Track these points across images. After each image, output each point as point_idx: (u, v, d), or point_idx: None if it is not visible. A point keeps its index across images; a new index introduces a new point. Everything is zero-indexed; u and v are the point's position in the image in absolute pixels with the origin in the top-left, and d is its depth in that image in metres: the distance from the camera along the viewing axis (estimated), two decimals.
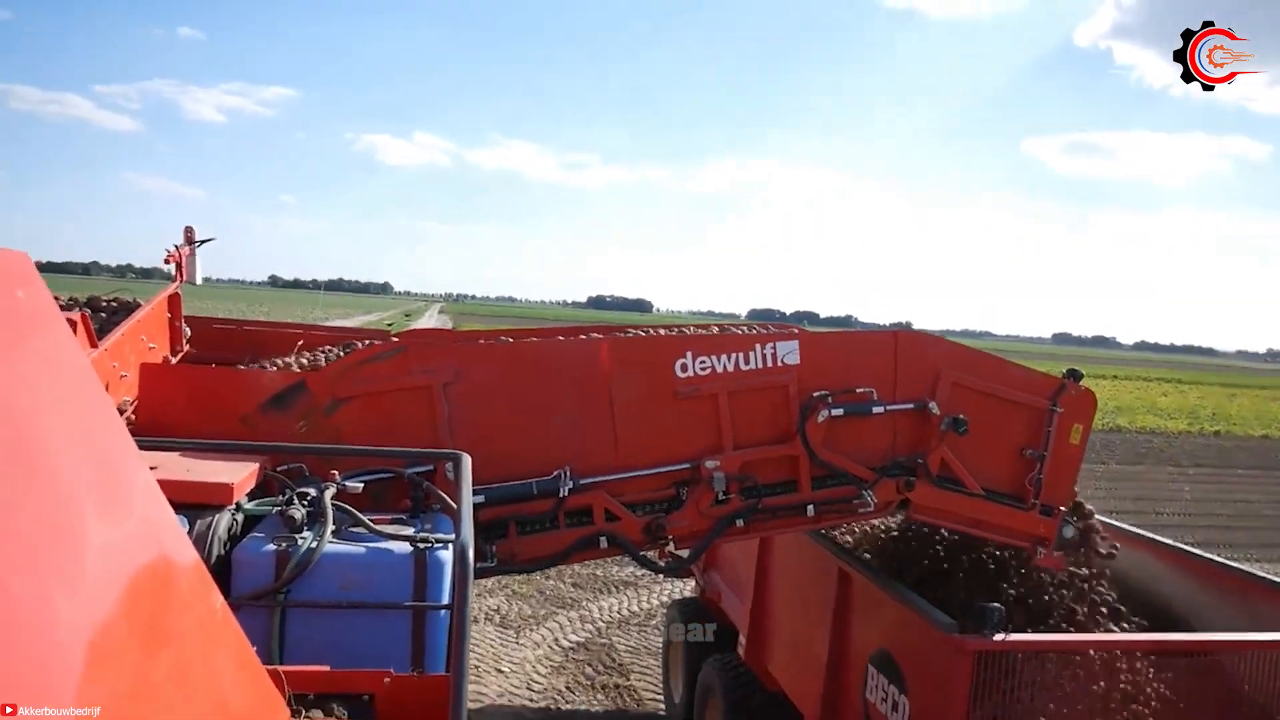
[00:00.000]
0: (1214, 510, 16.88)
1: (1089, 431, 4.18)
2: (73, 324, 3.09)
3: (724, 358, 3.78)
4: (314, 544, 2.61)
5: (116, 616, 1.09)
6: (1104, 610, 4.41)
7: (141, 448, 2.86)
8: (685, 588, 8.96)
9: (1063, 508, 4.18)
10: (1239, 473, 22.00)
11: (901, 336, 4.05)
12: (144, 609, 1.17)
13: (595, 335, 4.77)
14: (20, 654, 0.86)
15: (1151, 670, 3.49)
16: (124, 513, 1.20)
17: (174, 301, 4.38)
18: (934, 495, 4.00)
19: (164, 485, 2.72)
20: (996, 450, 4.10)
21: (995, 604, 3.36)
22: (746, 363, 3.81)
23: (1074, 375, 4.17)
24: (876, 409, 3.89)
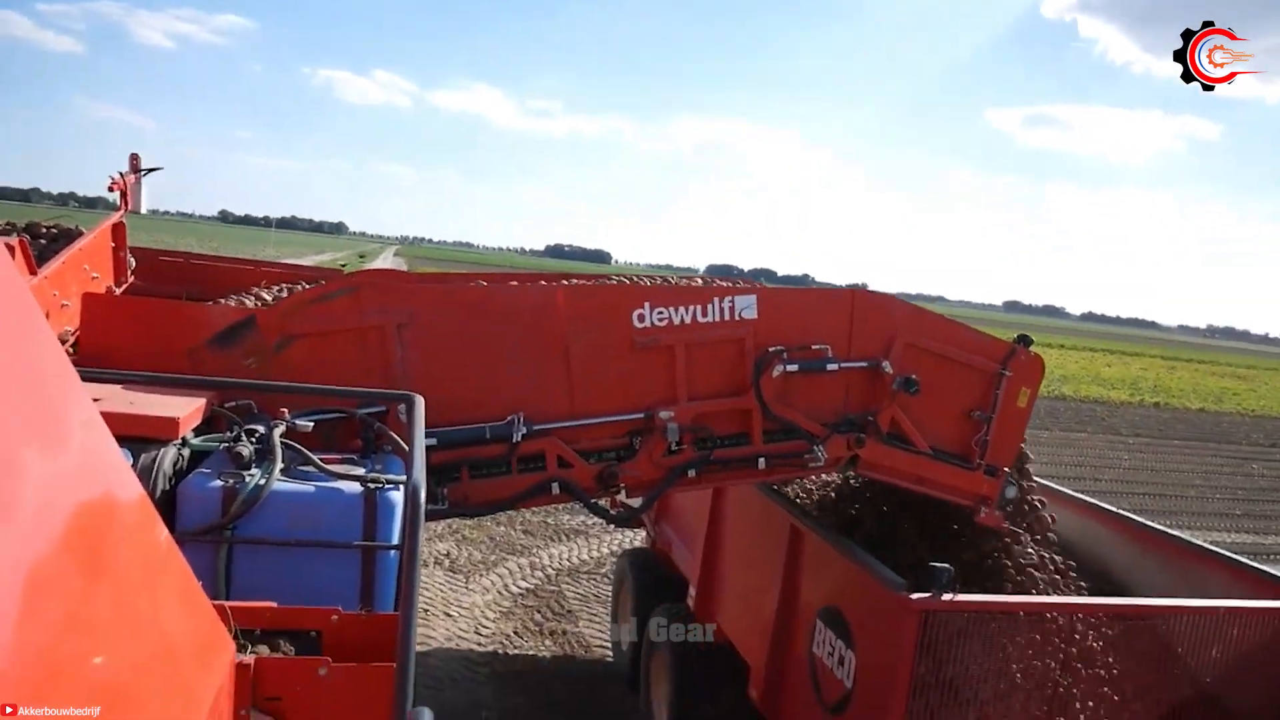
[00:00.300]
0: (1149, 479, 17.26)
1: (1035, 396, 4.26)
2: (10, 249, 2.98)
3: (682, 309, 3.78)
4: (262, 481, 2.58)
5: (56, 550, 1.06)
6: (1053, 571, 4.52)
7: (84, 379, 2.80)
8: (635, 537, 9.04)
9: (1006, 469, 4.27)
10: (1175, 443, 22.58)
11: (858, 295, 4.08)
12: (84, 542, 1.14)
13: (553, 283, 4.73)
14: None
15: (1092, 634, 3.56)
16: (63, 445, 1.17)
17: (118, 230, 4.24)
18: (883, 453, 4.06)
19: (107, 418, 2.66)
20: (945, 411, 4.17)
21: (945, 565, 3.41)
22: (704, 315, 3.81)
23: (1024, 341, 4.25)
24: (831, 366, 3.93)
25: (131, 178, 4.40)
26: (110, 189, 4.42)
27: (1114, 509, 5.30)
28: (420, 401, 2.74)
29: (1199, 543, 4.70)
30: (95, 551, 1.16)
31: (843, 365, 3.95)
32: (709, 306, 3.81)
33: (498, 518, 9.57)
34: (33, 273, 3.16)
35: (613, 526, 9.15)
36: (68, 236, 3.80)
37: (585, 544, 9.94)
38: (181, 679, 1.34)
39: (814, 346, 3.93)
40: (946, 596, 3.37)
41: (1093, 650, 3.53)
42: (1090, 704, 3.49)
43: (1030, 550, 4.60)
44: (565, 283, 4.66)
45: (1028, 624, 3.47)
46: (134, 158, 4.53)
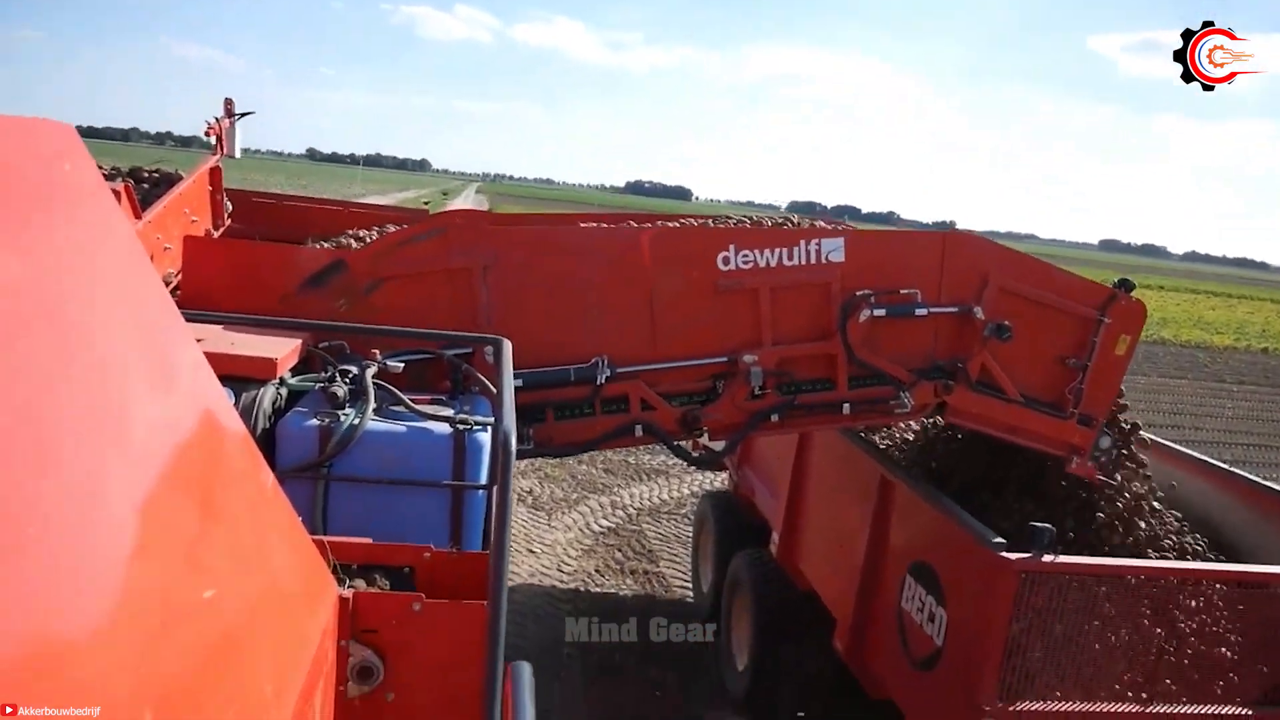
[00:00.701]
0: (1254, 429, 16.52)
1: (1135, 344, 4.10)
2: (116, 194, 3.08)
3: (768, 252, 3.72)
4: (356, 420, 2.66)
5: (168, 489, 1.10)
6: (1170, 531, 4.37)
7: (187, 320, 2.89)
8: (717, 479, 9.07)
9: (1100, 418, 4.14)
10: None
11: (949, 238, 3.95)
12: (195, 482, 1.18)
13: (637, 225, 4.71)
14: (72, 526, 0.87)
15: (1197, 600, 3.42)
16: (172, 385, 1.21)
17: (215, 175, 4.37)
18: (972, 400, 3.97)
19: (209, 358, 2.76)
20: (1038, 357, 4.05)
21: (1046, 524, 3.26)
22: (790, 259, 3.75)
23: (1125, 286, 4.08)
24: (920, 311, 3.84)
25: (226, 122, 4.51)
26: (206, 134, 4.54)
27: (1227, 466, 5.06)
28: (508, 345, 2.78)
29: None
30: (205, 493, 1.20)
31: (932, 310, 3.86)
32: (795, 249, 3.75)
33: (580, 457, 9.49)
34: (137, 217, 3.27)
35: (694, 468, 9.24)
36: (168, 181, 3.92)
37: (666, 484, 9.95)
38: (290, 616, 1.40)
39: (903, 291, 3.84)
40: (1047, 558, 3.24)
41: (1199, 617, 3.41)
42: (1194, 673, 3.38)
43: (1149, 515, 4.43)
44: (650, 225, 4.63)
45: (1131, 588, 3.35)
46: (228, 102, 4.63)
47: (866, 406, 3.94)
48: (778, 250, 3.73)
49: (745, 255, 3.71)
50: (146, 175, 4.04)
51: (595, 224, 4.47)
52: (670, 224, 4.58)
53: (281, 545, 1.44)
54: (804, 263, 3.76)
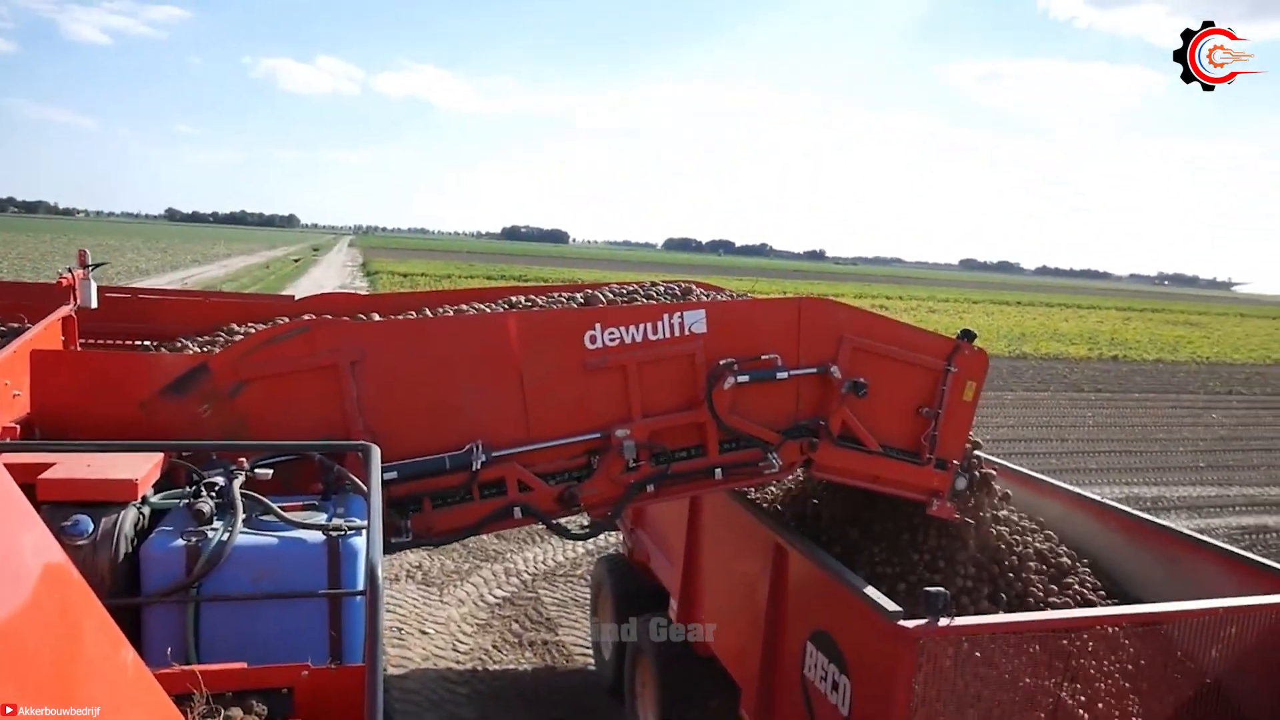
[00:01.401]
0: (1113, 435, 17.67)
1: (980, 389, 4.39)
2: None
3: (632, 328, 3.84)
4: (225, 536, 2.61)
5: (19, 682, 1.10)
6: (1057, 567, 4.59)
7: (39, 450, 2.80)
8: (611, 539, 8.94)
9: (955, 461, 4.41)
10: (1135, 397, 23.07)
11: (805, 303, 4.16)
12: (52, 672, 1.19)
13: (511, 299, 4.77)
14: None
15: (1094, 643, 3.49)
16: (19, 580, 1.21)
17: (68, 324, 4.29)
18: (835, 455, 4.17)
19: (65, 484, 2.69)
20: (894, 409, 4.28)
21: (940, 589, 3.29)
22: (655, 332, 3.87)
23: (968, 336, 4.37)
24: (781, 374, 4.01)
25: (80, 273, 4.42)
26: (58, 285, 4.45)
27: (1101, 499, 5.21)
28: (376, 452, 2.78)
29: (1190, 533, 4.65)
30: (64, 681, 1.20)
31: (792, 372, 4.04)
32: (659, 323, 3.87)
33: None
34: None
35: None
36: (16, 333, 3.84)
37: (559, 545, 9.83)
38: None
39: (764, 356, 4.01)
40: (944, 621, 3.25)
41: (1097, 659, 3.48)
42: (1097, 713, 3.47)
43: (1025, 549, 4.61)
44: (517, 301, 4.70)
45: (1030, 641, 3.38)
46: (81, 254, 4.57)
47: (737, 469, 4.08)
48: (642, 325, 3.85)
49: (611, 332, 3.81)
50: None
51: (463, 306, 4.51)
52: (535, 303, 4.66)
53: None
54: (668, 336, 3.88)
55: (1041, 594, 4.49)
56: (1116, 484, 13.89)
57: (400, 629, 7.45)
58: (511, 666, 7.14)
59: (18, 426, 3.19)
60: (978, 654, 3.31)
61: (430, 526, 3.67)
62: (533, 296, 4.82)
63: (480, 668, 7.06)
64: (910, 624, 3.24)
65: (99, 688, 1.28)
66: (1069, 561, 4.76)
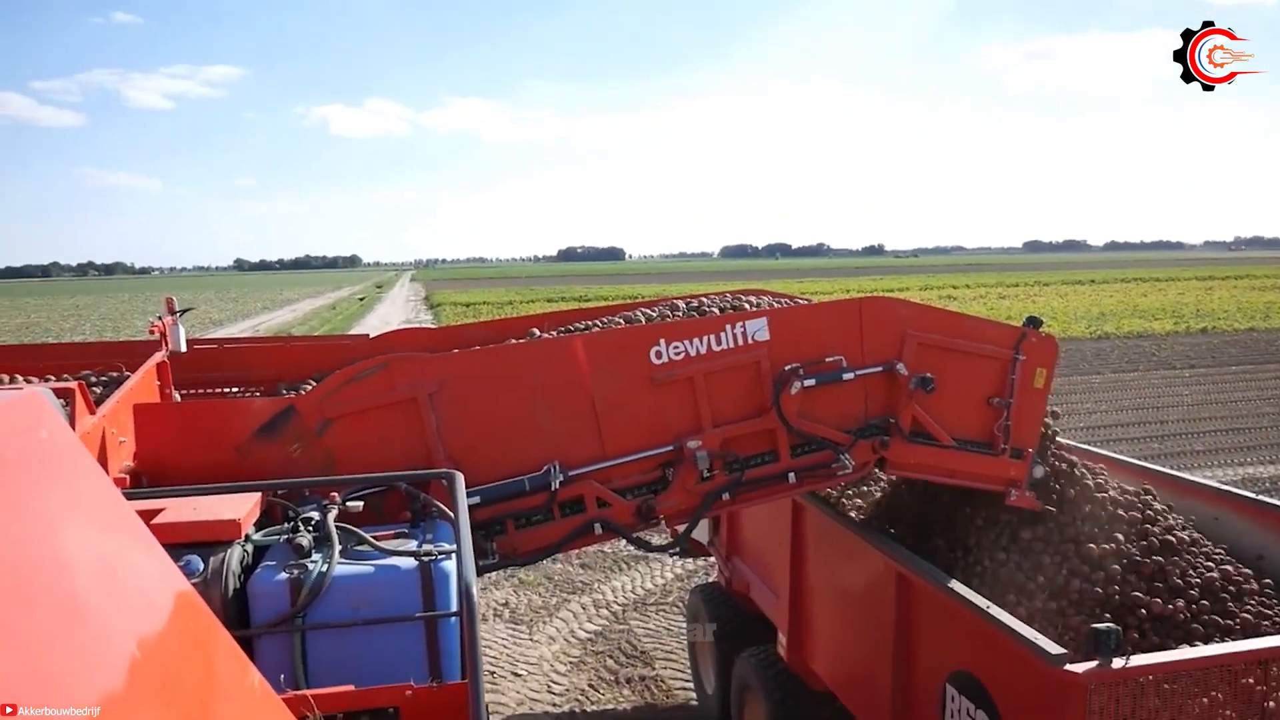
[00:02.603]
0: (1216, 413, 16.40)
1: (1051, 375, 4.35)
2: (69, 392, 3.19)
3: (696, 341, 3.91)
4: (324, 568, 2.76)
5: (163, 707, 1.22)
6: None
7: (145, 496, 2.98)
8: (699, 563, 8.62)
9: (1031, 449, 4.37)
10: (1231, 370, 21.47)
11: (865, 303, 4.18)
12: (188, 695, 1.30)
13: (576, 326, 4.89)
14: None
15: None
16: (155, 612, 1.32)
17: (162, 369, 4.54)
18: (908, 451, 4.17)
19: (175, 527, 2.86)
20: (964, 401, 4.27)
21: (1110, 626, 2.98)
22: (719, 343, 3.93)
23: (1034, 323, 4.34)
24: (846, 375, 4.04)
25: (169, 319, 4.66)
26: (150, 332, 4.70)
27: (1249, 495, 4.60)
28: (460, 478, 2.90)
29: None
30: (202, 705, 1.32)
31: (858, 373, 4.06)
32: (722, 334, 3.94)
33: (554, 556, 9.29)
34: (92, 413, 3.37)
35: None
36: (116, 382, 4.07)
37: (648, 571, 9.44)
38: None
39: (828, 359, 4.05)
40: (1117, 663, 2.93)
41: None
42: None
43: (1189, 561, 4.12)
44: (585, 327, 4.81)
45: (1216, 678, 3.01)
46: (169, 301, 4.82)
47: (811, 472, 4.12)
48: (706, 337, 3.92)
49: (676, 347, 3.89)
50: (95, 380, 4.18)
51: (535, 334, 4.65)
52: (603, 326, 4.77)
53: None
54: (732, 345, 3.95)
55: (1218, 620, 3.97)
56: (1228, 465, 12.91)
57: (492, 671, 7.28)
58: (610, 706, 6.89)
59: (127, 476, 3.40)
60: (1157, 700, 2.95)
61: (515, 547, 3.79)
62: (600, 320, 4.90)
63: (578, 709, 6.84)
64: (1078, 668, 2.91)
65: (234, 708, 1.39)
66: (1234, 572, 4.18)
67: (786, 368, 3.99)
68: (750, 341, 3.97)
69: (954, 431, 4.24)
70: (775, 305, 4.74)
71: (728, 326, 3.96)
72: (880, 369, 4.10)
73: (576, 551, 9.25)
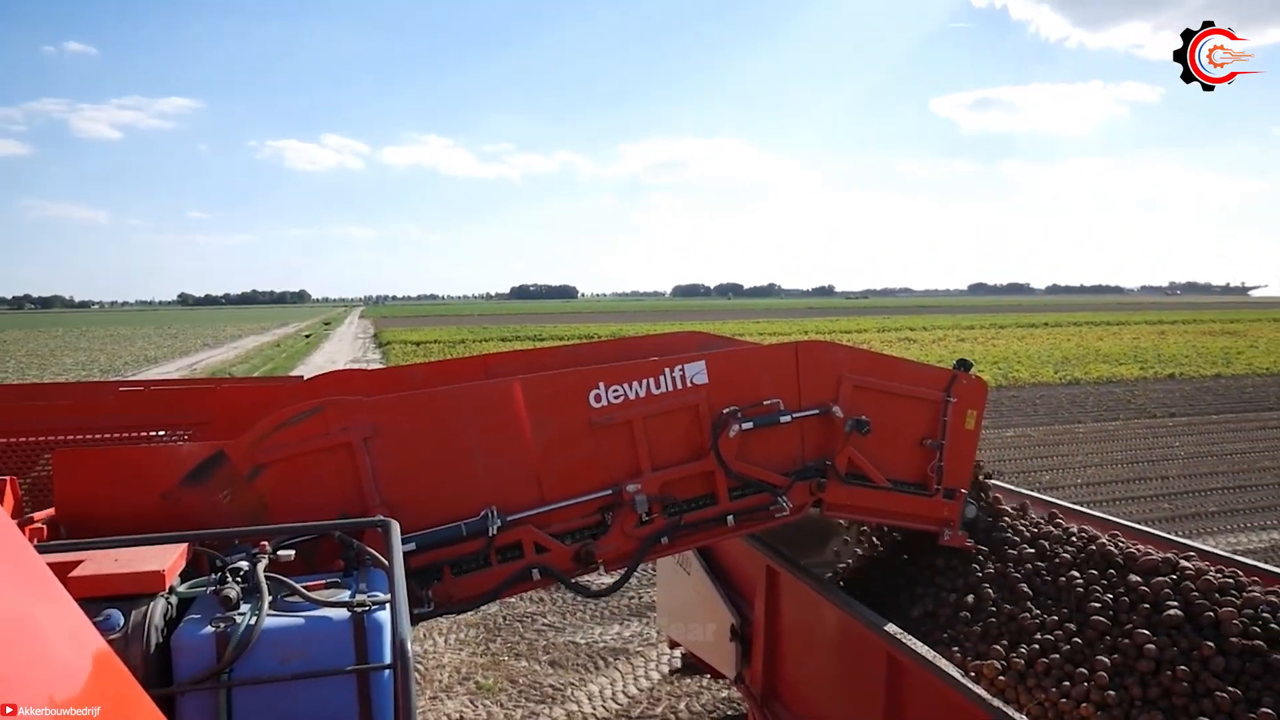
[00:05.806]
0: (1215, 467, 15.62)
1: (981, 417, 4.46)
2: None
3: (635, 384, 3.93)
4: (252, 620, 2.69)
5: None
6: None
7: (62, 549, 2.89)
8: (709, 684, 7.43)
9: (963, 490, 4.46)
10: (1214, 419, 20.84)
11: (801, 347, 4.25)
12: None
13: (508, 376, 4.87)
14: None
15: None
16: (65, 678, 1.29)
17: None
18: (845, 493, 4.23)
19: (94, 580, 2.78)
20: (899, 443, 4.35)
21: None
22: (657, 387, 3.96)
23: (964, 365, 4.44)
24: (784, 418, 4.09)
25: None
26: None
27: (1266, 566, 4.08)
28: (395, 527, 2.87)
29: None
30: None
31: (795, 416, 4.12)
32: (661, 378, 3.97)
33: (515, 652, 8.36)
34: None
35: (657, 642, 8.28)
36: None
37: (629, 669, 8.01)
38: None
39: (766, 402, 4.10)
40: None
41: None
42: None
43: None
44: (517, 371, 4.79)
45: None
46: None
47: (749, 515, 4.14)
48: (645, 381, 3.94)
49: (615, 390, 3.90)
50: None
51: (472, 375, 4.62)
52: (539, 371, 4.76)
53: None
54: (671, 389, 3.97)
55: None
56: (1251, 529, 12.11)
57: None
58: None
59: (44, 527, 3.29)
60: None
61: (452, 595, 3.74)
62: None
63: None
64: None
65: None
66: None
67: (725, 411, 4.03)
68: (689, 385, 4.00)
69: (889, 473, 4.31)
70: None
71: (666, 370, 3.98)
72: (817, 412, 4.16)
73: (543, 643, 8.64)
